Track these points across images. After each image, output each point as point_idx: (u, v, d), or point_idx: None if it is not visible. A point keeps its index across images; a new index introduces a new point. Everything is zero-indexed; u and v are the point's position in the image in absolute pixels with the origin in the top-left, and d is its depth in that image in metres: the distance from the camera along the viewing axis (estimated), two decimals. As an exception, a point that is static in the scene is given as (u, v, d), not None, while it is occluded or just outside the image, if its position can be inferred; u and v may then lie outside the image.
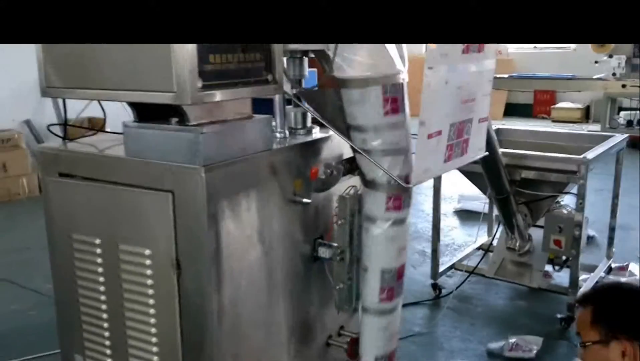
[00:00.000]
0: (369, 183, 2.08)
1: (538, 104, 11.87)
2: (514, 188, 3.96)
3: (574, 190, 3.78)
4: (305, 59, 2.27)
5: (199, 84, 1.61)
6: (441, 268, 4.44)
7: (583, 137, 4.70)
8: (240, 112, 1.92)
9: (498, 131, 4.62)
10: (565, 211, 3.94)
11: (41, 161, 2.11)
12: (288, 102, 2.24)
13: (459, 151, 2.41)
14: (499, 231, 4.39)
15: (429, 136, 2.13)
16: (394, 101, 1.99)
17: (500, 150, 3.78)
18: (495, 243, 4.50)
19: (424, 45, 2.09)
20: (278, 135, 2.19)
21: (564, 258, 4.13)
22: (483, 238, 5.03)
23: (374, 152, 2.03)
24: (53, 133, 2.20)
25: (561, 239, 3.85)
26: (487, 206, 4.84)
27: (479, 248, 4.85)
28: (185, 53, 1.57)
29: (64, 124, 2.19)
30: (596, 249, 5.05)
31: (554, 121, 11.21)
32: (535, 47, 12.27)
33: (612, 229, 4.63)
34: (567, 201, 4.16)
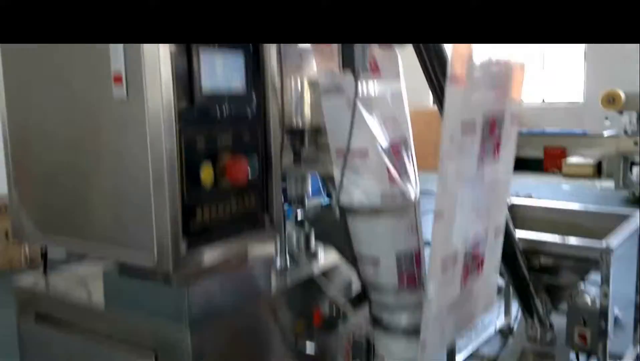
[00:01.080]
0: (383, 327, 1.86)
1: (549, 158, 11.66)
2: (532, 274, 3.72)
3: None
4: (309, 176, 2.09)
5: (183, 246, 1.41)
6: (458, 358, 4.16)
7: (604, 217, 4.46)
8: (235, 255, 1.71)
9: (512, 207, 4.40)
10: (588, 301, 3.68)
11: (17, 301, 1.91)
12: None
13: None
14: (518, 311, 4.12)
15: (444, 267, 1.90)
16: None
17: (517, 234, 3.56)
18: (515, 325, 4.23)
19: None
20: (278, 263, 1.98)
21: (589, 348, 3.85)
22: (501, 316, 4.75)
23: (385, 289, 1.82)
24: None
25: (586, 332, 3.58)
26: (503, 280, 4.57)
27: (498, 332, 4.57)
28: (168, 210, 1.39)
29: (44, 262, 1.98)
30: (620, 332, 4.74)
31: (565, 175, 10.99)
32: (543, 100, 12.13)
33: (637, 309, 4.35)
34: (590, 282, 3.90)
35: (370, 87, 1.99)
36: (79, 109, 1.58)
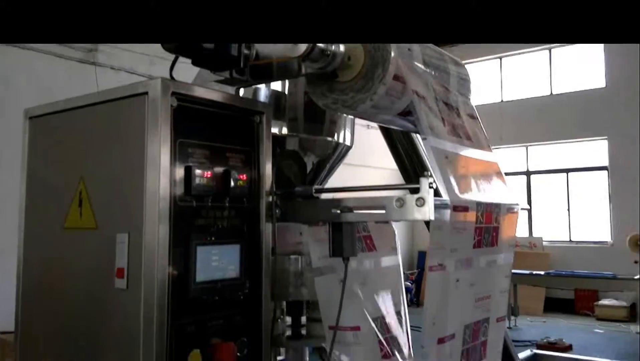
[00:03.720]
0: None
1: (580, 300, 11.32)
2: None
3: None
4: (306, 350, 2.14)
5: None
6: None
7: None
8: None
9: (535, 357, 4.28)
10: None
11: None
12: None
13: (476, 357, 2.06)
14: None
15: (440, 341, 1.81)
16: None
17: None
18: None
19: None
20: None
21: None
22: None
23: None
24: None
25: None
26: None
27: None
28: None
29: None
30: None
31: (599, 319, 10.61)
32: (570, 240, 12.03)
33: None
34: None
35: (365, 263, 2.09)
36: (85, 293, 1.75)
